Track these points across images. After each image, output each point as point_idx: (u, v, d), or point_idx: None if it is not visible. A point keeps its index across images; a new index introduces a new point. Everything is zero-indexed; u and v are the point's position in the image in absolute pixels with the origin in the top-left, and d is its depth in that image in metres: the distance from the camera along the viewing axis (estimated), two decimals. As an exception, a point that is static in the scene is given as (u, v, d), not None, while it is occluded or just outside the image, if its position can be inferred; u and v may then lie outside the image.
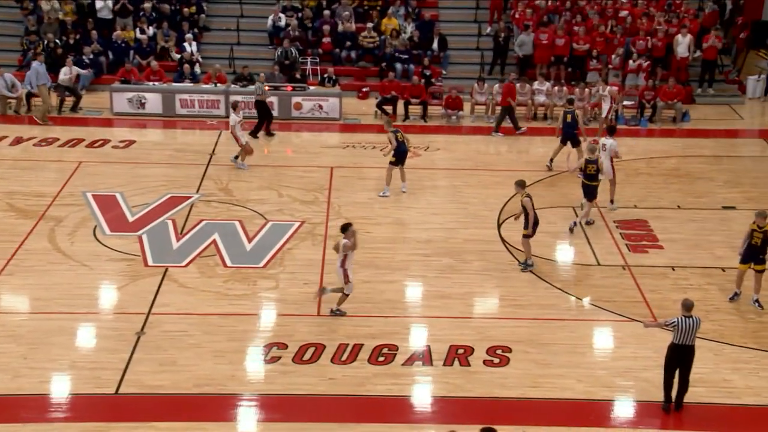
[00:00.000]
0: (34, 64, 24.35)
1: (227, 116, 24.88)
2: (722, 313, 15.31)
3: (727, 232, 18.31)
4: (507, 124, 24.33)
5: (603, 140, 19.46)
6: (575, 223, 18.33)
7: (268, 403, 12.86)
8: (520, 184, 16.68)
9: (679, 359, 12.43)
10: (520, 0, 28.76)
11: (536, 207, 18.87)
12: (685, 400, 12.60)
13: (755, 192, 20.54)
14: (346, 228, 14.94)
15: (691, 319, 12.28)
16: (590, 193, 18.31)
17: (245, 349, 14.14)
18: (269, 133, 23.81)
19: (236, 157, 21.36)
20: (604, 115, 23.42)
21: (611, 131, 19.95)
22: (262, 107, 23.73)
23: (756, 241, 15.27)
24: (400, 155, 19.84)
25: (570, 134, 21.41)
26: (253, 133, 23.32)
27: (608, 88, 23.48)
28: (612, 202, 19.37)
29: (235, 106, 21.45)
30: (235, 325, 14.77)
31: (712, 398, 12.97)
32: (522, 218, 16.61)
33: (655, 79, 26.14)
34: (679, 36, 26.52)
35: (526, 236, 16.61)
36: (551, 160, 21.68)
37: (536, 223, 16.60)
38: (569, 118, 21.34)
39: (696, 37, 26.90)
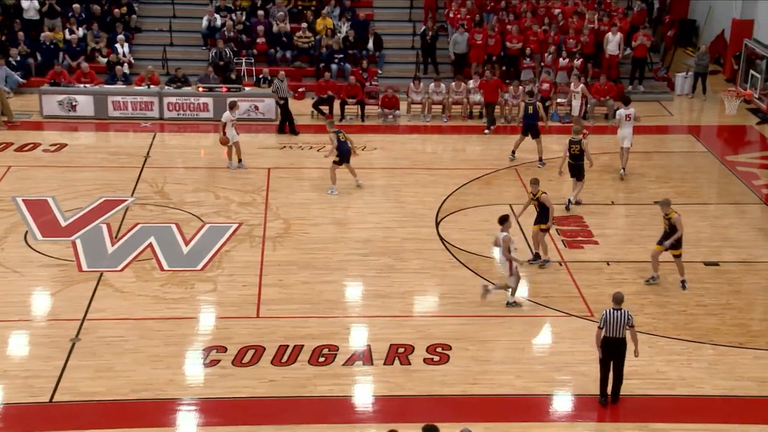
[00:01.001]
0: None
1: (161, 118, 24.70)
2: (655, 306, 15.62)
3: (659, 226, 18.50)
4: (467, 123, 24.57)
5: (624, 111, 21.09)
6: (569, 202, 19.37)
7: (207, 407, 12.74)
8: (536, 182, 16.89)
9: (611, 352, 12.63)
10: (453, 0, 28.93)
11: (474, 205, 19.08)
12: (621, 393, 12.82)
13: (685, 187, 21.00)
14: (504, 220, 15.26)
15: (619, 311, 12.50)
16: (578, 172, 19.24)
17: (184, 353, 14.00)
18: (293, 132, 23.86)
19: (240, 161, 21.42)
20: (575, 113, 24.02)
21: (626, 101, 21.48)
22: (283, 105, 23.83)
23: (664, 227, 15.93)
24: (342, 154, 19.92)
25: (531, 125, 21.82)
26: (292, 131, 23.82)
27: (580, 86, 24.06)
28: (624, 170, 21.17)
29: (232, 105, 21.35)
30: (173, 329, 14.61)
31: (646, 390, 13.22)
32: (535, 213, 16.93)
33: (587, 77, 26.52)
34: (610, 34, 26.96)
35: (544, 230, 16.83)
36: (513, 152, 22.11)
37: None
38: (530, 109, 21.85)
39: (626, 35, 27.37)
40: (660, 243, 16.14)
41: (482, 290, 15.49)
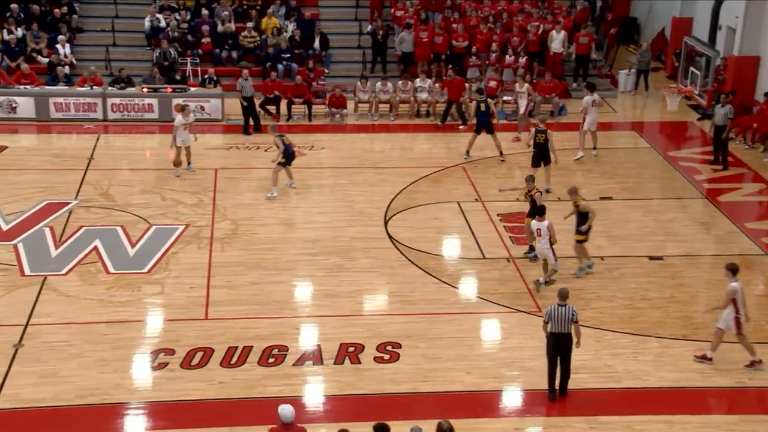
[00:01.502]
0: None
1: (105, 119, 24.34)
2: (602, 300, 15.80)
3: (605, 221, 18.88)
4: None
5: (590, 97, 22.29)
6: (547, 190, 19.83)
7: (155, 410, 12.60)
8: (531, 179, 17.13)
9: (557, 347, 12.75)
10: (399, -1, 29.01)
11: (423, 203, 19.13)
12: (569, 387, 12.94)
13: (630, 182, 21.27)
14: (542, 211, 15.71)
15: (564, 307, 12.62)
16: (543, 158, 19.94)
17: (131, 357, 13.83)
18: (246, 132, 23.75)
19: (189, 163, 21.10)
20: (522, 111, 23.97)
21: (592, 88, 22.75)
22: (249, 103, 23.68)
23: (574, 213, 16.37)
24: (288, 156, 19.85)
25: (485, 122, 21.93)
26: (256, 129, 23.69)
27: (525, 85, 24.01)
28: (595, 148, 22.67)
29: (183, 108, 20.97)
30: (120, 332, 14.41)
31: (594, 384, 13.37)
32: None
33: (533, 75, 26.75)
34: (554, 32, 27.22)
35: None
36: (467, 152, 22.15)
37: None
38: (482, 107, 21.92)
39: (569, 33, 27.65)
40: (578, 232, 16.37)
41: (535, 285, 15.91)
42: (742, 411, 12.96)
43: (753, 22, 24.91)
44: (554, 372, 12.83)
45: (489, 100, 22.51)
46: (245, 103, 23.77)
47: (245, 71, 24.14)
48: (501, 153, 22.10)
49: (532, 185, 16.93)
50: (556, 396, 12.91)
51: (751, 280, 16.80)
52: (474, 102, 22.68)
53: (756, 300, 16.02)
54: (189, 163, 21.10)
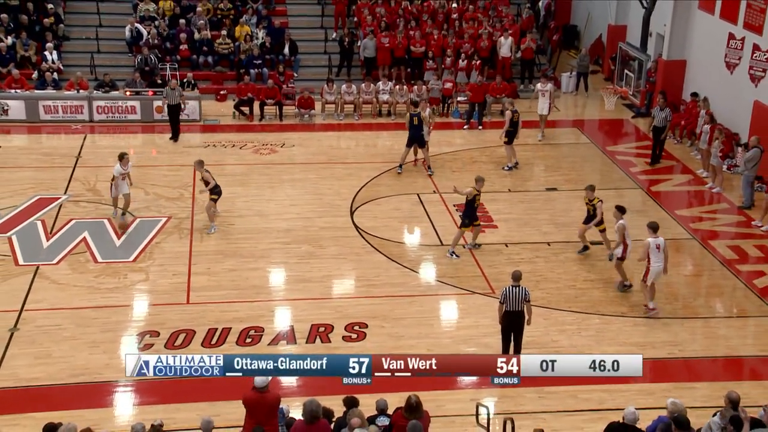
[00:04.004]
0: None
1: (91, 120, 24.04)
2: (549, 282, 15.94)
3: (551, 210, 19.08)
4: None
5: (541, 86, 23.54)
6: (516, 164, 21.32)
7: (142, 387, 12.52)
8: (591, 189, 16.83)
9: (511, 324, 12.86)
10: (362, 7, 28.88)
11: (386, 195, 19.12)
12: (520, 360, 13.04)
13: (573, 174, 21.45)
14: (623, 210, 15.60)
15: (518, 288, 12.73)
16: (514, 137, 21.22)
17: (119, 339, 13.74)
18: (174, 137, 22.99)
19: (123, 213, 18.07)
20: (427, 138, 21.13)
21: (548, 78, 24.48)
22: (172, 111, 22.90)
23: (478, 203, 16.56)
24: (220, 192, 17.68)
25: (416, 136, 20.69)
26: (173, 138, 22.86)
27: (428, 109, 21.59)
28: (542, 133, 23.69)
29: (121, 157, 17.75)
30: (109, 316, 14.30)
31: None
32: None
33: (484, 77, 26.81)
34: (502, 38, 27.33)
35: (602, 229, 16.85)
36: (400, 165, 21.03)
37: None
38: (415, 120, 20.41)
39: (517, 39, 27.78)
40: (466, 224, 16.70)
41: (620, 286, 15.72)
42: (673, 379, 13.19)
43: (679, 29, 25.18)
44: (508, 347, 12.94)
45: (423, 114, 20.54)
46: (167, 109, 22.94)
47: (173, 81, 23.35)
48: (428, 167, 20.94)
49: (593, 195, 16.65)
50: (509, 369, 13.00)
51: (681, 262, 17.08)
52: (408, 115, 21.06)
53: (684, 279, 16.34)
54: (123, 213, 18.01)
